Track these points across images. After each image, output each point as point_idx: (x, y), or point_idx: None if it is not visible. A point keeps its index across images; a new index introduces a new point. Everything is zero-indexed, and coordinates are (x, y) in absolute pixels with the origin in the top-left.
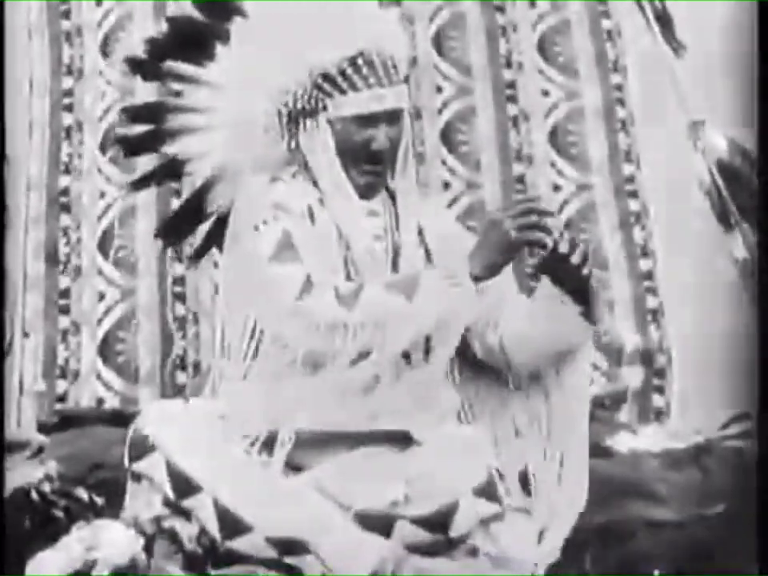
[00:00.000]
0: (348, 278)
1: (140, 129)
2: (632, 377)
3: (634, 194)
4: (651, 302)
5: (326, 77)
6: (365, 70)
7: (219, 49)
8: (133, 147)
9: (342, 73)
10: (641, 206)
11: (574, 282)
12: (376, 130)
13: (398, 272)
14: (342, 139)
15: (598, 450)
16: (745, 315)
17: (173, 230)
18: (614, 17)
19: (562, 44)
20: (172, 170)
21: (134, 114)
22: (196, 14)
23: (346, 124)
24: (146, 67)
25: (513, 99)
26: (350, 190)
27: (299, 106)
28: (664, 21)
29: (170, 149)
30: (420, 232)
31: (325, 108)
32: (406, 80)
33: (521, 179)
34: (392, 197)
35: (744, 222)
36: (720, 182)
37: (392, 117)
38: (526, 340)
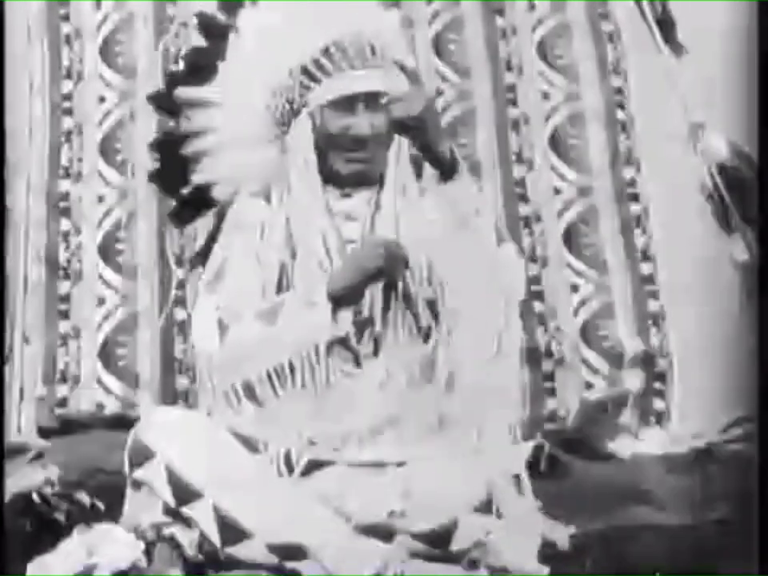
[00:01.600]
0: (282, 287)
1: (165, 162)
2: (633, 380)
3: (634, 198)
4: (652, 305)
5: (305, 70)
6: (336, 57)
7: (220, 66)
8: (168, 184)
9: (316, 62)
10: (641, 210)
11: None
12: (354, 115)
13: None
14: (323, 129)
15: (599, 454)
16: (746, 318)
17: (198, 261)
18: (613, 19)
19: (561, 47)
20: (201, 198)
21: (160, 146)
22: (201, 42)
23: (325, 112)
24: (166, 102)
25: (513, 102)
26: (317, 187)
27: (287, 107)
28: (664, 23)
29: (195, 177)
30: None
31: (306, 103)
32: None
33: (521, 183)
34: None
35: (745, 225)
36: (720, 184)
37: (372, 102)
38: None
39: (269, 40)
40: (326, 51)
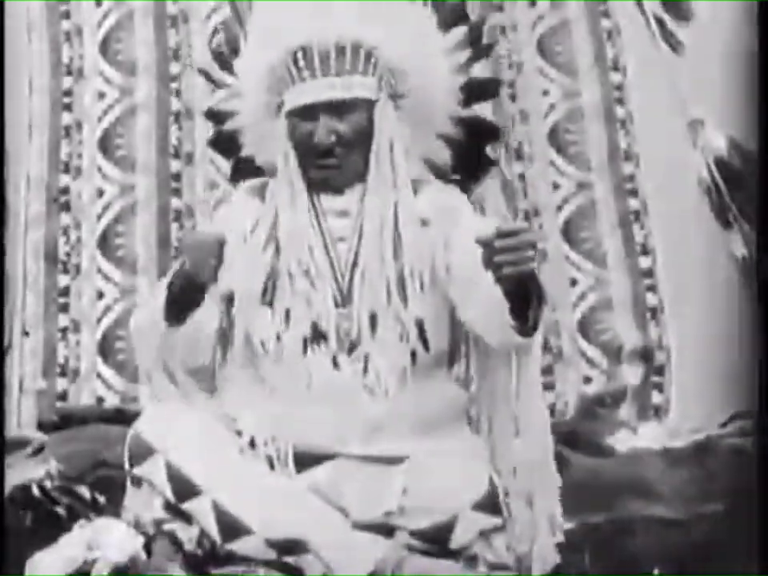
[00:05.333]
0: (270, 291)
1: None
2: (632, 374)
3: (633, 193)
4: (651, 299)
5: (284, 69)
6: (300, 63)
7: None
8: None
9: (287, 67)
10: (640, 205)
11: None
12: (315, 123)
13: (354, 274)
14: (293, 134)
15: (598, 449)
16: (745, 313)
17: None
18: (613, 16)
19: (561, 43)
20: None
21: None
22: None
23: (292, 118)
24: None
25: (512, 98)
26: (301, 188)
27: (276, 105)
28: (666, 18)
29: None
30: (393, 230)
31: (282, 104)
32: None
33: (521, 178)
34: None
35: (743, 220)
36: (719, 180)
37: (335, 109)
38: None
39: (273, 38)
40: (294, 57)
